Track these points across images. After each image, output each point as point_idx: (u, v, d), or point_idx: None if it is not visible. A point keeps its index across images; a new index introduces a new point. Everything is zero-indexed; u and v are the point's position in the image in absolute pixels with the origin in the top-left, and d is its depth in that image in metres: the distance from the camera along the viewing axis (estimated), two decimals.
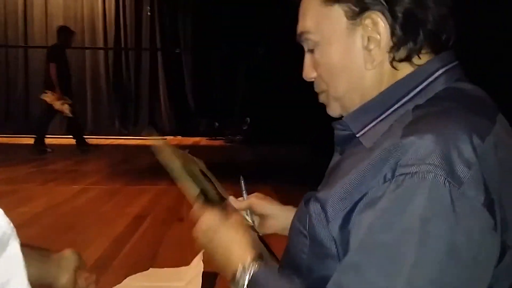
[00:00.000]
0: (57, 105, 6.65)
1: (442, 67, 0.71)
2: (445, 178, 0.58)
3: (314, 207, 0.69)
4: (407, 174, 0.60)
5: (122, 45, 9.24)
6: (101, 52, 9.12)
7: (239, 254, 0.78)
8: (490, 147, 0.62)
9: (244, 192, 1.04)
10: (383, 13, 0.69)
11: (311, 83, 0.82)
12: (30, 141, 8.01)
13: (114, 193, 4.24)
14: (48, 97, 6.64)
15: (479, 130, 0.62)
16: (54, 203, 3.80)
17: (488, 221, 0.58)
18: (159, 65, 9.26)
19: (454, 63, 0.72)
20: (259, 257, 0.77)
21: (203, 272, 2.19)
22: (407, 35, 0.69)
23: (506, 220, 0.61)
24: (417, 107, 0.67)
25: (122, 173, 5.19)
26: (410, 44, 0.69)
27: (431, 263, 0.57)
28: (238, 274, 0.75)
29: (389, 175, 0.61)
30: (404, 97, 0.70)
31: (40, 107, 8.90)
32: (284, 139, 7.58)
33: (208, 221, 0.85)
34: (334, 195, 0.67)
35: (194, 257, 2.39)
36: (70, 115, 6.92)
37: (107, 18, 9.11)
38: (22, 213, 3.41)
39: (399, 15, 0.68)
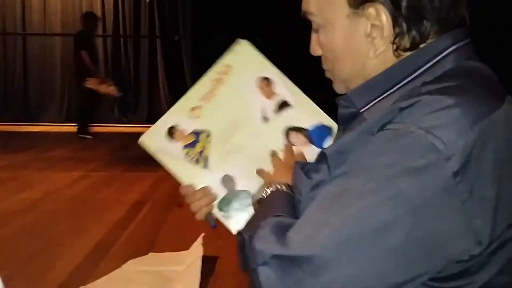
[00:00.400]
0: (103, 88, 6.76)
1: (453, 44, 0.69)
2: (426, 138, 0.57)
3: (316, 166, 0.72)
4: (391, 129, 0.61)
5: (121, 33, 9.18)
6: (100, 39, 9.05)
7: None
8: (495, 123, 0.60)
9: None
10: (385, 4, 0.68)
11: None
12: (29, 128, 8.03)
13: (113, 180, 4.24)
14: (91, 83, 6.70)
15: (486, 104, 0.61)
16: (53, 189, 3.80)
17: (452, 190, 0.56)
18: (158, 53, 9.21)
19: (466, 41, 0.70)
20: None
21: (203, 256, 2.21)
22: (410, 25, 0.68)
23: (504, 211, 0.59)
24: (425, 84, 0.65)
25: (121, 160, 5.18)
26: (414, 34, 0.68)
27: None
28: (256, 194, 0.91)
29: (379, 129, 0.63)
30: (411, 74, 0.69)
31: (39, 95, 8.93)
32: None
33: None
34: (333, 151, 0.69)
35: (193, 241, 2.41)
36: (119, 94, 7.10)
37: (105, 5, 9.03)
38: (21, 199, 3.41)
39: (403, 5, 0.67)
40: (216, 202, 1.04)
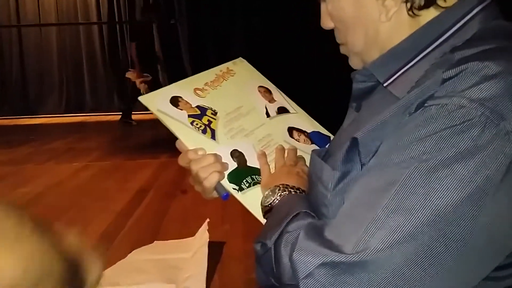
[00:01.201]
0: (137, 82, 6.79)
1: (478, 4, 0.63)
2: (482, 112, 0.50)
3: (342, 151, 0.63)
4: (436, 105, 0.53)
5: (116, 19, 9.07)
6: (95, 27, 8.95)
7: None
8: None
9: None
10: None
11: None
12: (28, 121, 7.98)
13: (116, 169, 4.20)
14: (131, 75, 6.85)
15: None
16: (55, 181, 3.77)
17: None
18: (155, 37, 9.11)
19: (490, 0, 0.64)
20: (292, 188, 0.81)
21: (209, 242, 2.18)
22: None
23: None
24: (456, 49, 0.59)
25: (122, 149, 5.14)
26: None
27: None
28: (265, 193, 0.83)
29: (418, 107, 0.55)
30: (437, 39, 0.62)
31: (38, 87, 8.87)
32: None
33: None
34: (366, 136, 0.60)
35: (199, 228, 2.38)
36: (147, 91, 7.10)
37: None
38: (24, 193, 3.39)
39: None
40: (227, 173, 0.93)
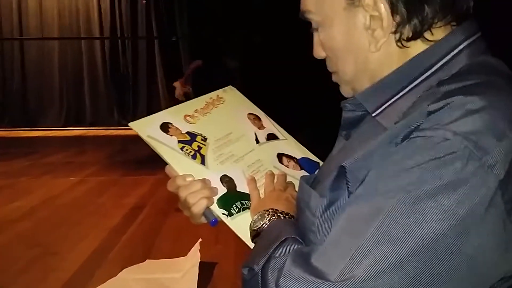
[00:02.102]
0: (178, 91, 6.82)
1: (466, 39, 0.65)
2: (466, 146, 0.52)
3: (330, 179, 0.64)
4: (421, 136, 0.55)
5: (118, 35, 9.16)
6: (97, 42, 9.03)
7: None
8: None
9: None
10: None
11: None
12: (27, 134, 8.00)
13: (111, 184, 4.20)
14: (176, 83, 6.91)
15: None
16: (50, 196, 3.77)
17: (498, 201, 0.52)
18: (156, 54, 9.18)
19: (478, 35, 0.66)
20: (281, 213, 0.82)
21: (201, 262, 2.17)
22: (411, 12, 0.63)
23: None
24: (442, 82, 0.61)
25: (119, 164, 5.15)
26: (415, 22, 0.63)
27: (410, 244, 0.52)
28: (254, 218, 0.84)
29: (405, 138, 0.57)
30: (424, 72, 0.64)
31: (38, 99, 8.90)
32: (280, 126, 7.52)
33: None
34: (353, 164, 0.61)
35: (191, 247, 2.37)
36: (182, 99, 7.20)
37: (102, 7, 8.99)
38: (18, 207, 3.39)
39: None
40: (216, 198, 0.93)
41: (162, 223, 3.05)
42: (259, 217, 0.83)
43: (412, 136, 0.56)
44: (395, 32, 0.65)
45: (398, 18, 0.64)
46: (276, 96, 7.05)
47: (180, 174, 0.92)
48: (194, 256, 2.30)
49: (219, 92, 1.15)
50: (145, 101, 9.07)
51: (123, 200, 3.60)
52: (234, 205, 0.94)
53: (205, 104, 1.10)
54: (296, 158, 1.09)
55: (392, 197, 0.53)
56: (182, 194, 0.90)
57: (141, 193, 3.82)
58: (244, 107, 1.15)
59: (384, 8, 0.64)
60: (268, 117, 1.16)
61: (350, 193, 0.61)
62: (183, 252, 2.40)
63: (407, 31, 0.64)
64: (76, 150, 6.38)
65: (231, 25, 8.07)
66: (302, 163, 1.08)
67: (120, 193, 3.89)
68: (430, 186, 0.52)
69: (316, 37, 0.76)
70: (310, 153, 1.12)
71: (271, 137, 1.12)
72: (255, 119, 1.13)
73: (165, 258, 2.45)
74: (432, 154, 0.53)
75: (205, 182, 0.91)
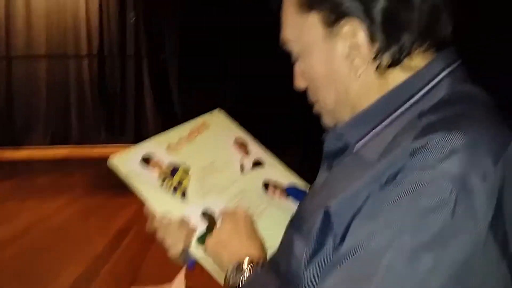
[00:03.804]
0: None
1: (446, 67, 0.65)
2: (452, 188, 0.52)
3: (315, 223, 0.63)
4: (408, 179, 0.54)
5: (106, 53, 9.15)
6: (85, 60, 9.01)
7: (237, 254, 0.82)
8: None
9: None
10: (360, 19, 0.64)
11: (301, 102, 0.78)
12: (13, 154, 7.89)
13: (97, 207, 4.15)
14: None
15: (500, 136, 0.57)
16: (34, 220, 3.71)
17: (491, 247, 0.52)
18: (144, 72, 9.18)
19: (458, 63, 0.67)
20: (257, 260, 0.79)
21: None
22: (389, 40, 0.64)
23: None
24: (423, 113, 0.61)
25: (106, 186, 5.06)
26: (394, 49, 0.64)
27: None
28: (229, 272, 0.80)
29: (390, 179, 0.56)
30: (405, 103, 0.64)
31: (24, 118, 8.83)
32: (274, 140, 7.51)
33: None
34: (339, 207, 0.61)
35: (177, 274, 2.35)
36: None
37: (91, 25, 8.99)
38: (0, 232, 3.33)
39: (377, 18, 0.63)
40: (195, 236, 0.91)
41: (148, 248, 3.02)
42: (235, 272, 0.80)
43: (398, 177, 0.55)
44: (374, 60, 0.65)
45: (377, 45, 0.64)
46: (267, 111, 7.09)
47: (159, 213, 0.91)
48: (180, 283, 2.27)
49: (205, 116, 1.13)
50: (133, 119, 9.04)
51: (109, 224, 3.57)
52: None
53: (190, 131, 1.07)
54: (282, 186, 1.06)
55: (384, 253, 0.53)
56: (159, 235, 0.90)
57: (127, 217, 3.78)
58: (230, 132, 1.12)
59: (362, 36, 0.64)
60: (255, 141, 1.13)
61: (335, 236, 0.61)
62: (169, 279, 2.37)
63: (386, 59, 0.65)
64: (62, 171, 6.28)
65: (221, 44, 8.15)
66: (289, 192, 1.05)
67: (105, 216, 3.85)
68: (422, 237, 0.52)
69: (297, 67, 0.76)
70: (298, 179, 1.09)
71: (257, 163, 1.09)
72: (241, 144, 1.10)
73: (150, 285, 2.41)
74: (420, 201, 0.53)
75: (182, 221, 0.89)
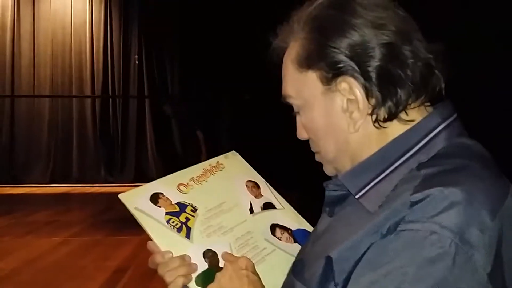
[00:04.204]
0: None
1: (443, 121, 0.68)
2: (452, 240, 0.54)
3: (316, 270, 0.66)
4: (409, 230, 0.56)
5: (110, 93, 9.28)
6: (88, 100, 9.13)
7: None
8: (509, 210, 0.59)
9: None
10: (355, 76, 0.68)
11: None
12: (13, 190, 7.88)
13: (95, 245, 4.13)
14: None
15: (497, 190, 0.60)
16: (32, 257, 3.69)
17: None
18: (147, 113, 9.28)
19: (454, 116, 0.70)
20: None
21: None
22: (385, 95, 0.67)
23: None
24: (422, 165, 0.64)
25: (104, 223, 5.07)
26: (390, 103, 0.67)
27: None
28: None
29: (391, 229, 0.58)
30: (404, 154, 0.67)
31: (25, 156, 8.85)
32: (273, 183, 7.49)
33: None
34: (340, 255, 0.63)
35: None
36: None
37: (95, 67, 9.15)
38: None
39: (372, 75, 0.67)
40: (195, 275, 0.90)
41: (146, 286, 2.99)
42: None
43: (399, 228, 0.57)
44: (371, 114, 0.68)
45: (373, 101, 0.68)
46: (269, 151, 7.10)
47: (162, 249, 0.91)
48: None
49: (220, 158, 1.13)
50: (134, 158, 9.07)
51: (106, 262, 3.53)
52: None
53: (203, 172, 1.08)
54: (291, 230, 1.05)
55: None
56: (160, 272, 0.89)
57: (125, 254, 3.76)
58: (243, 174, 1.12)
59: (359, 92, 0.68)
60: (268, 185, 1.13)
61: (336, 284, 0.62)
62: None
63: (382, 113, 0.68)
64: (61, 208, 6.27)
65: (222, 83, 8.25)
66: (297, 236, 1.05)
67: (103, 254, 3.82)
68: (422, 285, 0.53)
69: (298, 120, 0.79)
70: (308, 224, 1.08)
71: (268, 206, 1.08)
72: (254, 187, 1.10)
73: None
74: (421, 252, 0.54)
75: (184, 258, 0.90)
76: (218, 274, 0.89)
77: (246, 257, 0.90)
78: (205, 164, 1.10)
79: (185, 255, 0.92)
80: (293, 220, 1.08)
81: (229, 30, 7.52)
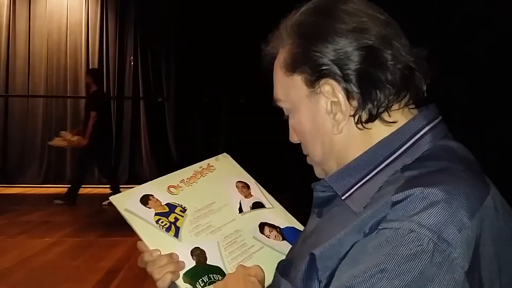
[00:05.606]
0: (66, 143, 6.42)
1: (427, 124, 0.71)
2: (430, 238, 0.56)
3: (301, 268, 0.68)
4: (389, 228, 0.58)
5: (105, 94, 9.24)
6: (83, 100, 9.09)
7: None
8: (488, 209, 0.61)
9: None
10: (337, 79, 0.70)
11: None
12: (6, 190, 7.86)
13: (87, 246, 4.13)
14: (54, 142, 6.43)
15: (477, 191, 0.62)
16: (24, 257, 3.68)
17: None
18: (141, 114, 9.27)
19: (439, 119, 0.72)
20: None
21: None
22: (364, 97, 0.70)
23: None
24: (406, 167, 0.66)
25: (97, 224, 5.07)
26: (370, 105, 0.70)
27: None
28: None
29: (373, 228, 0.60)
30: (389, 156, 0.69)
31: (19, 156, 8.82)
32: (266, 187, 7.49)
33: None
34: (323, 253, 0.65)
35: None
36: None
37: (90, 67, 9.12)
38: None
39: (352, 78, 0.69)
40: (182, 272, 0.92)
41: (139, 287, 3.00)
42: None
43: (380, 227, 0.59)
44: (354, 116, 0.71)
45: (354, 102, 0.70)
46: (261, 153, 7.11)
47: (151, 248, 0.93)
48: None
49: (211, 160, 1.16)
50: (128, 159, 9.05)
51: (98, 263, 3.54)
52: (201, 279, 0.93)
53: (193, 174, 1.10)
54: (279, 228, 1.08)
55: None
56: (149, 269, 0.92)
57: (117, 256, 3.76)
58: (233, 175, 1.15)
59: (340, 94, 0.71)
60: (259, 185, 1.16)
61: (319, 282, 0.64)
62: None
63: (364, 114, 0.70)
64: (54, 208, 6.26)
65: (217, 86, 8.26)
66: (286, 233, 1.07)
67: (96, 255, 3.83)
68: (399, 284, 0.55)
69: (289, 123, 0.82)
70: (297, 222, 1.10)
71: (257, 205, 1.10)
72: (243, 187, 1.13)
73: None
74: (400, 249, 0.56)
75: (171, 256, 0.92)
76: (228, 275, 0.92)
77: (259, 266, 0.91)
78: (196, 167, 1.13)
79: (173, 253, 0.94)
80: (282, 218, 1.10)
81: (225, 33, 7.54)
